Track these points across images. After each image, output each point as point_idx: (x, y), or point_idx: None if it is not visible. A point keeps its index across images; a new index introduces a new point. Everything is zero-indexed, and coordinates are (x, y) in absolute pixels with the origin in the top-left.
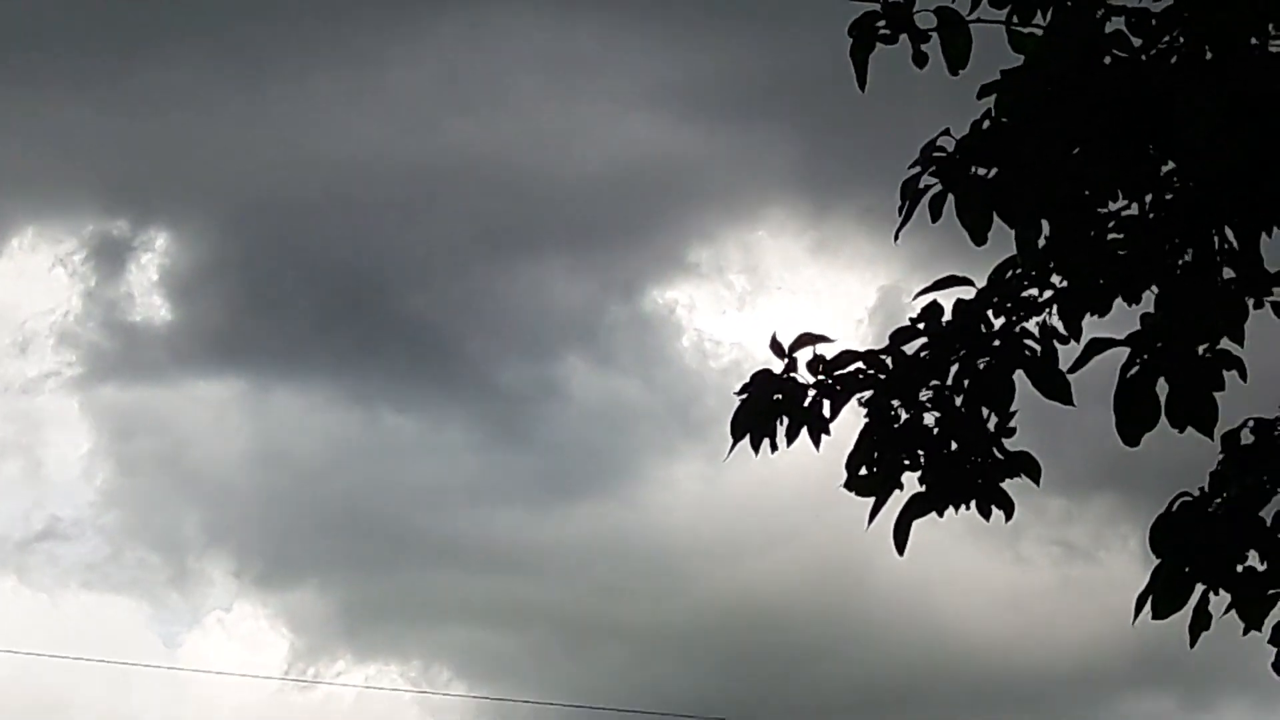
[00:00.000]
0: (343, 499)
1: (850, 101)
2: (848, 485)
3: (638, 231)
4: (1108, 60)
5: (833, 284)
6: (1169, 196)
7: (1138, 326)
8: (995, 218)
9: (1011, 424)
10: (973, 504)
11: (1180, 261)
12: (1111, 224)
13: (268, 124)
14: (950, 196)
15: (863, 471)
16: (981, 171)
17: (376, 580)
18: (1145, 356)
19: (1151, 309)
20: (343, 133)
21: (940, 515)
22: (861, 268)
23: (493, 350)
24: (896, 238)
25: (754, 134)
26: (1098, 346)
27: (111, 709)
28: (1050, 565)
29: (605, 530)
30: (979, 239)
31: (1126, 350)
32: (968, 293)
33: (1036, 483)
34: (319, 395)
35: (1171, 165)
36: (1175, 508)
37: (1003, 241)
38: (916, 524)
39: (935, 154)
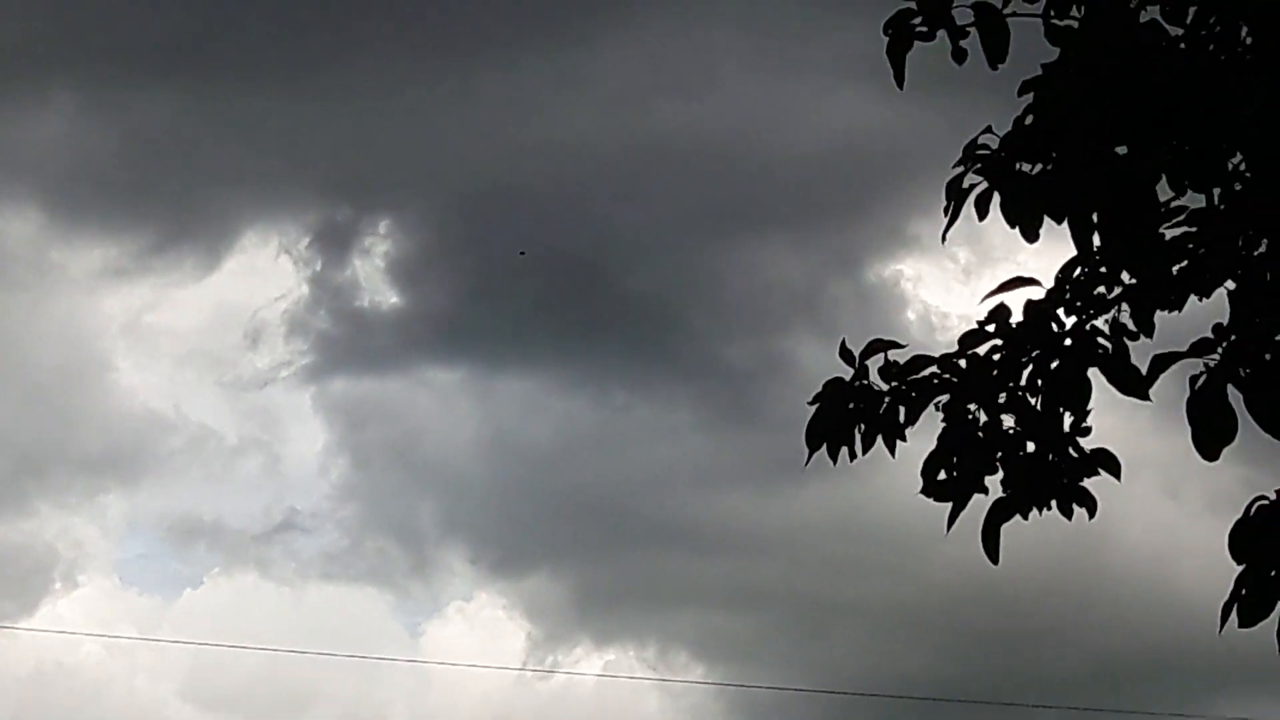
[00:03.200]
0: (573, 483)
1: None
2: (925, 491)
3: (856, 206)
4: (1146, 51)
5: (1058, 253)
6: (1238, 187)
7: (1218, 320)
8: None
9: (1087, 423)
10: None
11: (1256, 254)
12: (1183, 217)
13: (480, 109)
14: (996, 194)
15: (941, 476)
16: (1027, 168)
17: (609, 564)
18: (1212, 365)
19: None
20: (554, 116)
21: (1025, 518)
22: None
23: (717, 329)
24: (944, 239)
25: (969, 102)
26: (1162, 363)
27: (358, 700)
28: None
29: (837, 509)
30: (1030, 236)
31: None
32: (1036, 293)
33: (1117, 478)
34: (545, 379)
35: (1240, 157)
36: (1253, 512)
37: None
38: (1155, 497)
39: (979, 152)
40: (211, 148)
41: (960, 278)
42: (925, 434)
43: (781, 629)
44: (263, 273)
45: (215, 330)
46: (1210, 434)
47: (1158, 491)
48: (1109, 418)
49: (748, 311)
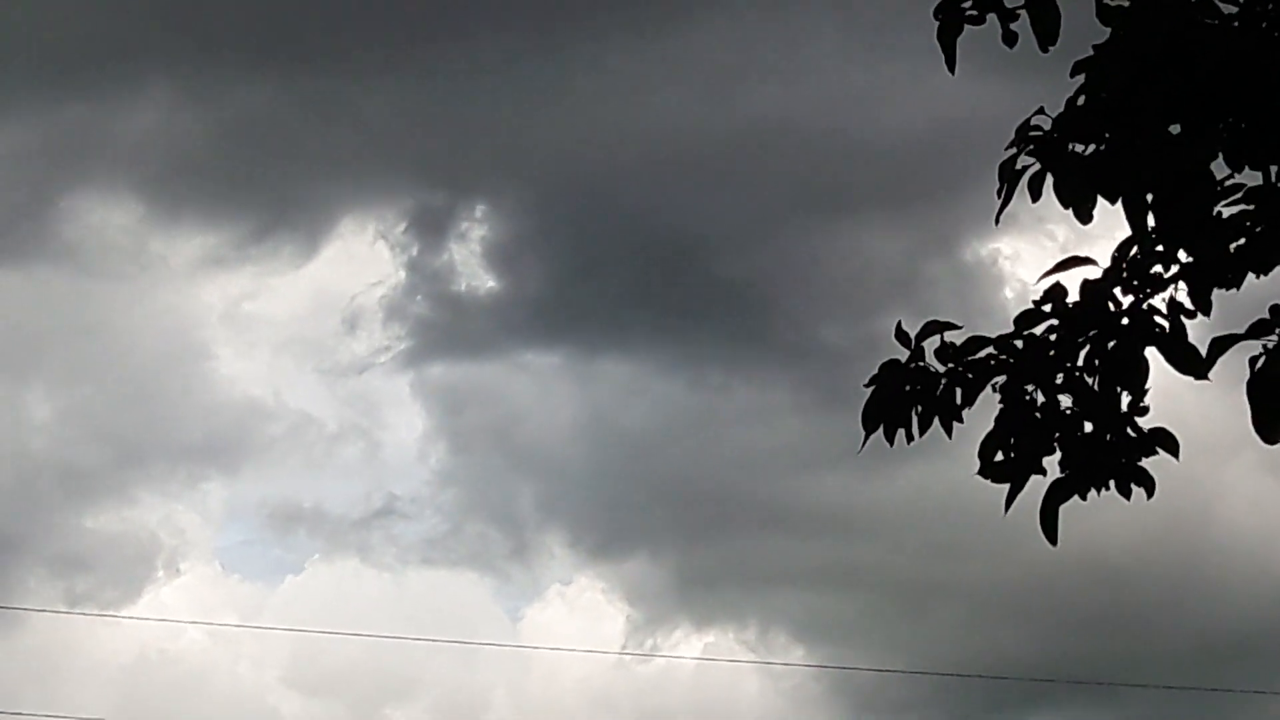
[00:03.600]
0: (671, 466)
1: None
2: (982, 472)
3: (952, 185)
4: (1198, 29)
5: None
6: None
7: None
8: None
9: (1144, 402)
10: (1113, 484)
11: None
12: (1239, 195)
13: (574, 94)
14: (1049, 175)
15: (998, 457)
16: (1080, 149)
17: (708, 546)
18: (1270, 346)
19: None
20: (649, 101)
21: (1083, 498)
22: None
23: (814, 310)
24: (997, 220)
25: (1063, 80)
26: (1221, 345)
27: (459, 685)
28: None
29: (935, 489)
30: (1084, 217)
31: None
32: (1093, 272)
33: (1176, 457)
34: (643, 362)
35: None
36: None
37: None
38: (1257, 474)
39: (1031, 133)
40: (307, 135)
41: (1059, 255)
42: (985, 415)
43: (881, 610)
44: (360, 259)
45: (314, 317)
46: (1270, 416)
47: (1260, 469)
48: (1204, 394)
49: (844, 293)
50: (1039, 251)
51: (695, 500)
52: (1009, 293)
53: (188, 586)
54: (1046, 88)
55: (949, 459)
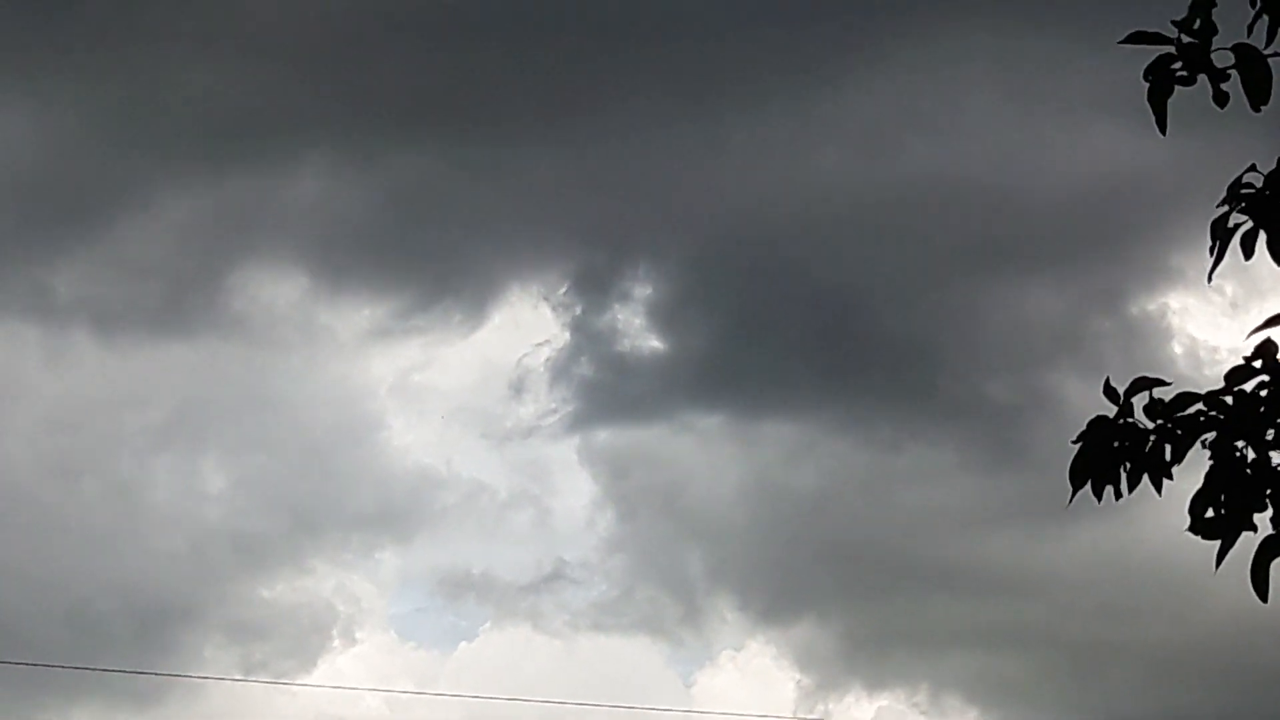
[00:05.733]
0: (838, 526)
1: None
2: (1193, 529)
3: (1117, 240)
4: None
5: None
6: None
7: None
8: None
9: None
10: None
11: None
12: None
13: (733, 152)
14: (1262, 233)
15: (1209, 514)
16: None
17: (878, 608)
18: None
19: None
20: (808, 158)
21: None
22: None
23: (978, 367)
24: (1210, 279)
25: (1228, 133)
26: None
27: None
28: None
29: (1108, 548)
30: None
31: None
32: None
33: None
34: (808, 421)
35: None
36: None
37: None
38: None
39: (1243, 190)
40: (468, 201)
41: (1228, 311)
42: (1190, 471)
43: (1055, 670)
44: (525, 324)
45: (482, 384)
46: None
47: None
48: None
49: (1010, 349)
50: (1207, 306)
51: (863, 561)
52: (1177, 348)
53: (363, 654)
54: (1212, 141)
55: (1119, 518)
